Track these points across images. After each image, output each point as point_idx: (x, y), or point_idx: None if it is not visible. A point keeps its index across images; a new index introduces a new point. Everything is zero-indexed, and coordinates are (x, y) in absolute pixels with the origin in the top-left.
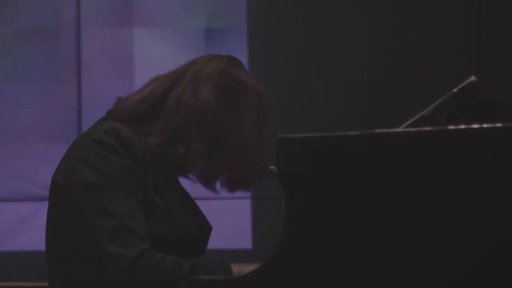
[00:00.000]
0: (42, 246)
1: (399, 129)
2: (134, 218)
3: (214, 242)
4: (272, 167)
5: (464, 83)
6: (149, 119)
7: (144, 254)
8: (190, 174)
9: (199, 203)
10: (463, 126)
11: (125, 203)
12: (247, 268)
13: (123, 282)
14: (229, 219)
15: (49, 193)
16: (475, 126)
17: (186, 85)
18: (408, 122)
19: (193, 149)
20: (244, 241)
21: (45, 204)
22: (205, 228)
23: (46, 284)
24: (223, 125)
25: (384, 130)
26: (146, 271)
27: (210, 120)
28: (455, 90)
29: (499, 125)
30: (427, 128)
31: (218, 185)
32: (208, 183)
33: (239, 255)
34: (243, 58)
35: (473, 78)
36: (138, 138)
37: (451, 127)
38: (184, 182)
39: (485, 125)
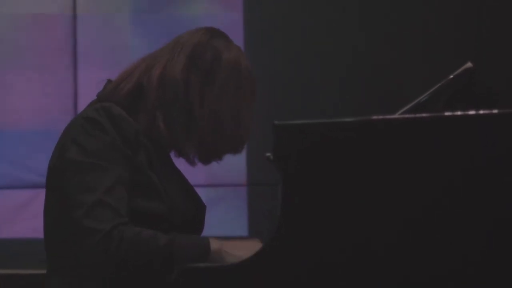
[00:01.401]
0: (38, 234)
1: (396, 115)
2: (113, 194)
3: (210, 229)
4: (268, 154)
5: (460, 70)
6: (136, 98)
7: (117, 227)
8: (172, 149)
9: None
10: (459, 113)
11: (106, 180)
12: (229, 244)
13: (99, 255)
14: (225, 206)
15: (46, 178)
16: (472, 112)
17: (163, 59)
18: (405, 108)
19: (171, 122)
20: (240, 228)
21: (41, 192)
22: (201, 207)
23: (44, 271)
24: (196, 95)
25: (381, 117)
26: (121, 244)
27: (183, 90)
28: (451, 76)
29: (495, 111)
30: (424, 114)
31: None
32: (184, 155)
33: None
34: (240, 44)
35: (469, 64)
36: (130, 116)
37: (447, 113)
38: (180, 166)
39: (481, 112)
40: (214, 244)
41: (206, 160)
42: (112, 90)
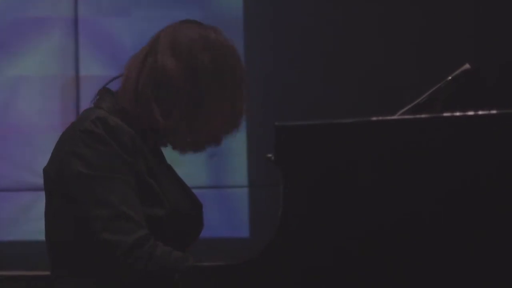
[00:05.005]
0: (42, 236)
1: (395, 116)
2: (129, 205)
3: (212, 231)
4: (269, 155)
5: (458, 71)
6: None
7: (148, 241)
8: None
9: (196, 192)
10: (458, 113)
11: (119, 191)
12: None
13: (126, 267)
14: (226, 208)
15: (44, 184)
16: (471, 113)
17: (163, 51)
18: (403, 109)
19: (174, 114)
20: (242, 230)
21: (44, 194)
22: (198, 206)
23: (47, 273)
24: (204, 89)
25: (380, 118)
26: (150, 260)
27: (190, 85)
28: (449, 78)
29: (494, 112)
30: (423, 115)
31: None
32: (180, 146)
33: (236, 244)
34: (240, 44)
35: (467, 65)
36: (125, 124)
37: (446, 114)
38: (182, 168)
39: (480, 112)
40: None
41: (187, 150)
42: (114, 97)
